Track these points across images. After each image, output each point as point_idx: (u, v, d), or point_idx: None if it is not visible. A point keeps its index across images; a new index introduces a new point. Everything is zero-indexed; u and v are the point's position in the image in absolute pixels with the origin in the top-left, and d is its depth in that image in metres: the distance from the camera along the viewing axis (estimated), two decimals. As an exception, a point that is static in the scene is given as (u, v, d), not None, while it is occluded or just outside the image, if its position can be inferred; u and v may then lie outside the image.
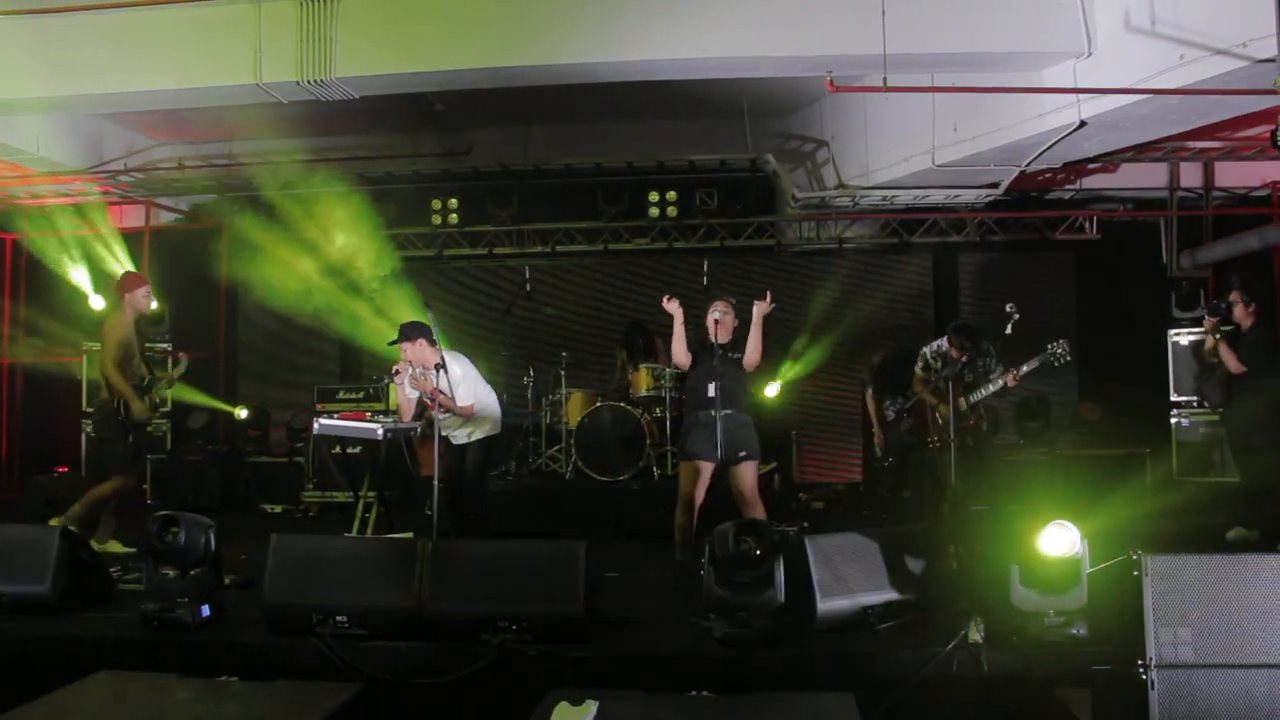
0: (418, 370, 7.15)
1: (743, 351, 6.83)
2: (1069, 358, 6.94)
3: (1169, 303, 11.38)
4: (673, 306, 6.85)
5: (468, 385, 7.32)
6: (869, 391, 9.07)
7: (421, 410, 7.43)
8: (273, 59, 7.77)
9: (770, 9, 7.52)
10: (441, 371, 7.02)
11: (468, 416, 7.31)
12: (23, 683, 4.60)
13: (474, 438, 7.46)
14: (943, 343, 7.26)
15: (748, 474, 6.79)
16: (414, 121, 11.18)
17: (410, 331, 7.19)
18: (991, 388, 7.11)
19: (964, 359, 7.09)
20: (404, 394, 7.41)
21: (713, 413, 6.69)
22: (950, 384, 6.91)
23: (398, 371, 7.25)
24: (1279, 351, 7.58)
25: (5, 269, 12.40)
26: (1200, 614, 3.64)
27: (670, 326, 6.96)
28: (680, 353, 6.94)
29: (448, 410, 7.14)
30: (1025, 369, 6.99)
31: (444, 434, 7.38)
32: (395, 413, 7.73)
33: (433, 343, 7.25)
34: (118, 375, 7.55)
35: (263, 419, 11.87)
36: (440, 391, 7.04)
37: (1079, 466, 10.10)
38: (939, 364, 7.19)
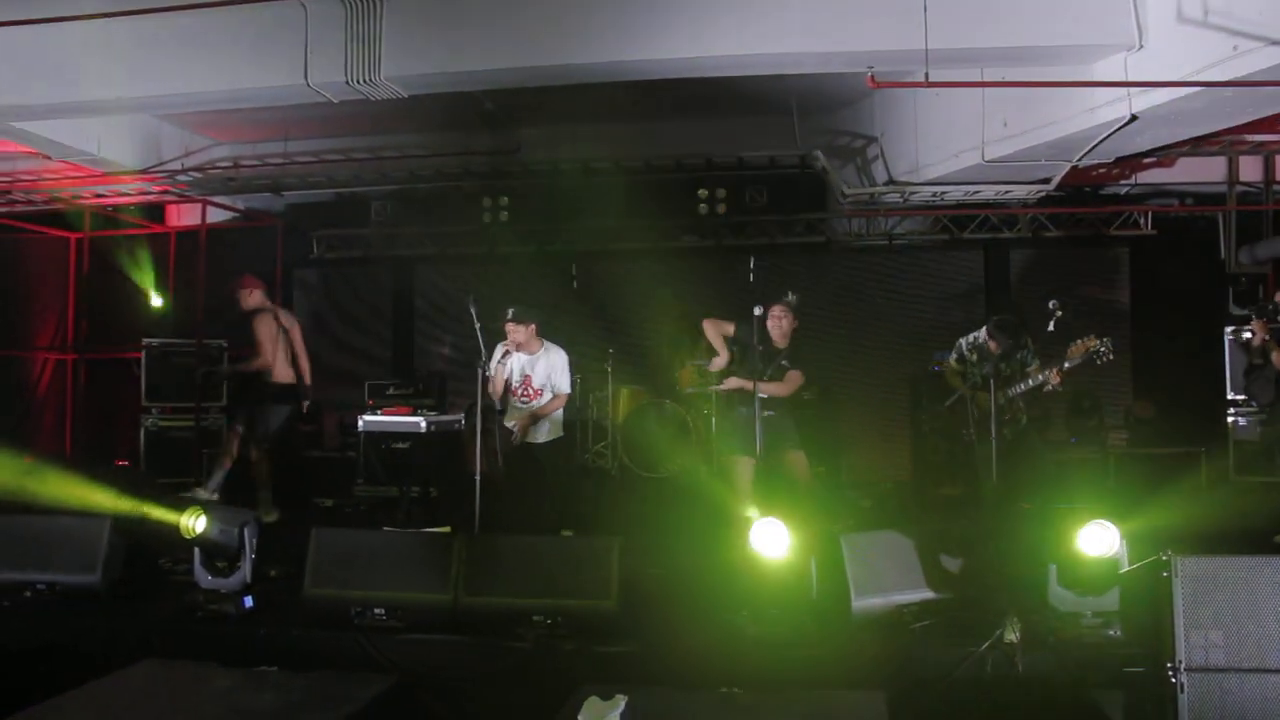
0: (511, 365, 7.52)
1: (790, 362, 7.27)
2: (1112, 356, 6.81)
3: (1226, 299, 11.15)
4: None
5: (568, 372, 7.68)
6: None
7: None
8: (321, 59, 7.83)
9: (814, 4, 7.47)
10: (508, 362, 7.44)
11: (563, 403, 7.64)
12: (72, 671, 4.73)
13: (550, 438, 7.66)
14: (980, 335, 7.19)
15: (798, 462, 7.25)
16: (465, 120, 11.25)
17: (525, 315, 7.48)
18: (1031, 383, 7.01)
19: (1000, 353, 7.02)
20: (501, 372, 7.54)
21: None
22: (988, 379, 6.83)
23: (508, 352, 7.49)
24: None
25: (70, 266, 12.71)
26: (1233, 617, 3.57)
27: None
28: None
29: (531, 401, 7.48)
30: (1067, 365, 6.89)
31: (512, 426, 7.62)
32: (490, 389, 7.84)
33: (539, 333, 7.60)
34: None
35: (316, 414, 12.03)
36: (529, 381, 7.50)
37: (1131, 465, 9.96)
38: (974, 356, 7.12)
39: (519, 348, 7.45)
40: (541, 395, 7.56)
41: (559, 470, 7.81)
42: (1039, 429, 8.06)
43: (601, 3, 7.74)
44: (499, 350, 7.52)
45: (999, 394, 6.96)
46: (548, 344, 7.67)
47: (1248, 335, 7.80)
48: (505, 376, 7.51)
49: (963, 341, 7.38)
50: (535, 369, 7.53)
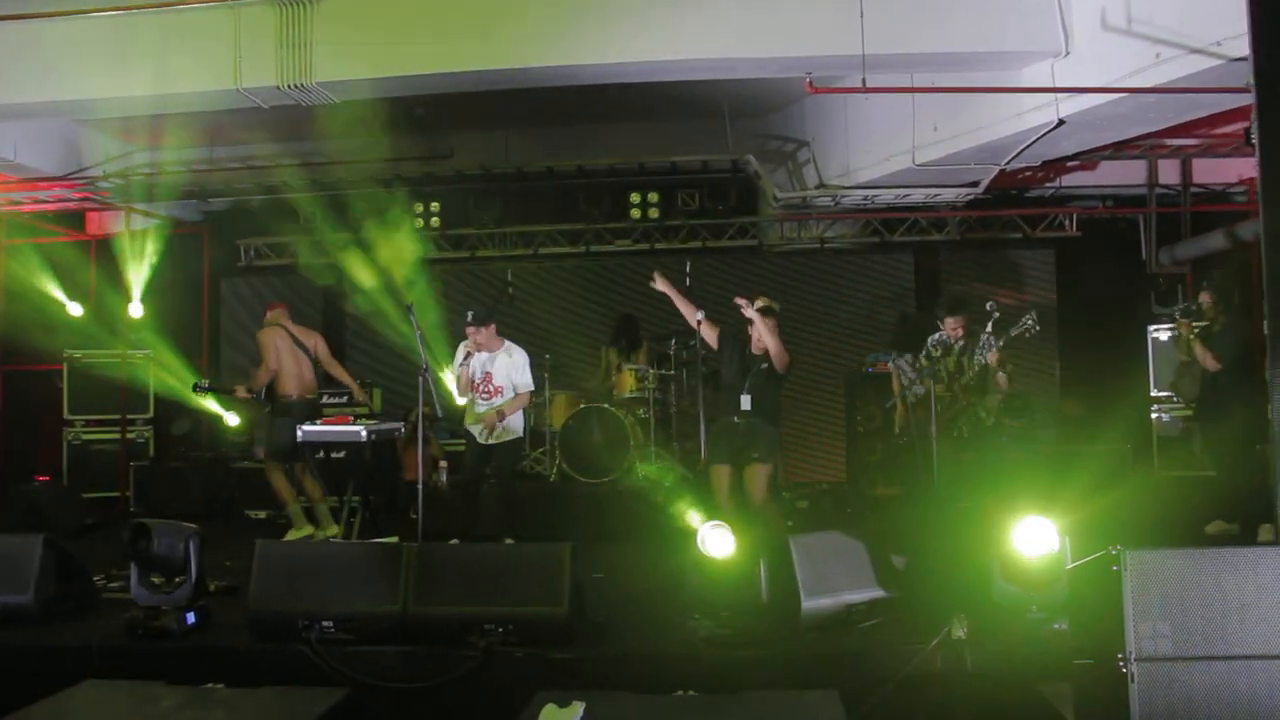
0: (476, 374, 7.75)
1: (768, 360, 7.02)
2: (1038, 328, 7.07)
3: (1148, 299, 11.46)
4: (662, 285, 7.29)
5: (528, 370, 7.88)
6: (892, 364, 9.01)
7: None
8: (252, 64, 7.72)
9: (749, 10, 7.53)
10: (470, 362, 7.69)
11: (527, 400, 7.90)
12: (6, 695, 4.57)
13: (509, 437, 7.80)
14: (941, 334, 7.38)
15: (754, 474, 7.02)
16: (396, 125, 11.13)
17: (486, 316, 7.78)
18: (976, 366, 7.23)
19: (961, 337, 7.22)
20: (465, 372, 7.77)
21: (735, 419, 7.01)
22: (941, 370, 7.02)
23: (470, 353, 7.75)
24: (1251, 343, 7.65)
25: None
26: (1179, 607, 3.67)
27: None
28: (706, 331, 7.40)
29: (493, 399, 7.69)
30: (1001, 343, 7.14)
31: (472, 428, 7.80)
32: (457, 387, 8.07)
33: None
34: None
35: (248, 425, 11.81)
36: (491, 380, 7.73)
37: (1061, 462, 10.14)
38: (938, 351, 7.31)
39: (480, 348, 7.69)
40: (502, 392, 7.74)
41: (508, 471, 7.94)
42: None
43: (533, 8, 7.74)
44: (461, 351, 7.78)
45: (955, 385, 7.13)
46: (508, 343, 7.89)
47: (1172, 334, 8.05)
48: (470, 376, 7.73)
49: (929, 341, 7.60)
50: (495, 366, 7.74)
